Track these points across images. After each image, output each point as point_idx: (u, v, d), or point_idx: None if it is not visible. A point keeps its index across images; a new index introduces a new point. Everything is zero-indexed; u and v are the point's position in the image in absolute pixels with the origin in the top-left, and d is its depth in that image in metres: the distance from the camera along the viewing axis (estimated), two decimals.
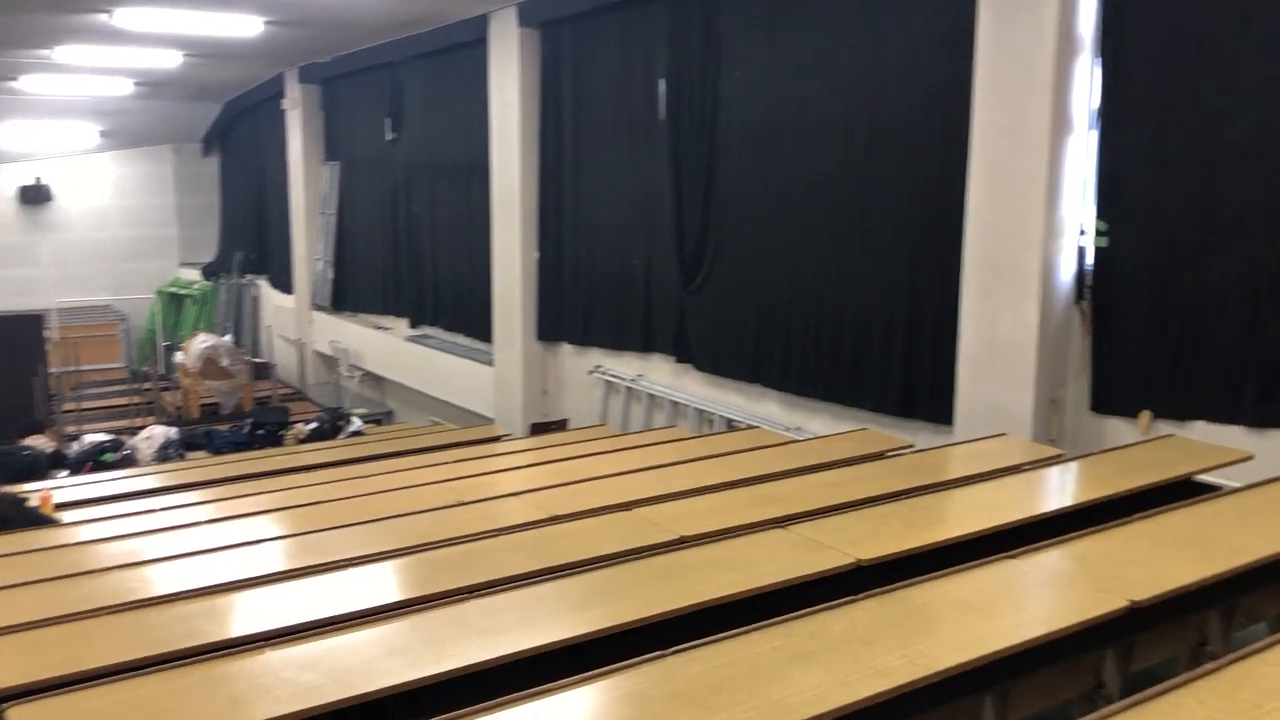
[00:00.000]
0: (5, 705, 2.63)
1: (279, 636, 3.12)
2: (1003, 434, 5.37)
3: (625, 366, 8.57)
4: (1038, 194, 5.28)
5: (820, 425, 6.79)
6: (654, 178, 8.01)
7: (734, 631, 2.88)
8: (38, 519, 5.69)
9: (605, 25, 8.41)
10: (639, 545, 3.89)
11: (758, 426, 6.88)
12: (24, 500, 5.79)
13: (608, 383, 8.71)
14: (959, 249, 5.67)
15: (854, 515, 4.09)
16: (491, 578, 3.59)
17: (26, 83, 12.67)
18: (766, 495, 4.54)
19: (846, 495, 4.41)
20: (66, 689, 2.77)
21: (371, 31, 10.65)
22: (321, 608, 3.45)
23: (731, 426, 7.36)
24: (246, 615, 3.52)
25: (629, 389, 8.50)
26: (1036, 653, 2.90)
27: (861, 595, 3.14)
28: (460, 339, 10.83)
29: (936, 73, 5.92)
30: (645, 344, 8.33)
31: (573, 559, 3.77)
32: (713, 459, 5.69)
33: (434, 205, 11.07)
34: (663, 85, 7.84)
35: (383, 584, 3.80)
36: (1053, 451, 5.10)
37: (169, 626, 3.38)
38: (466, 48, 9.87)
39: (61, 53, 10.92)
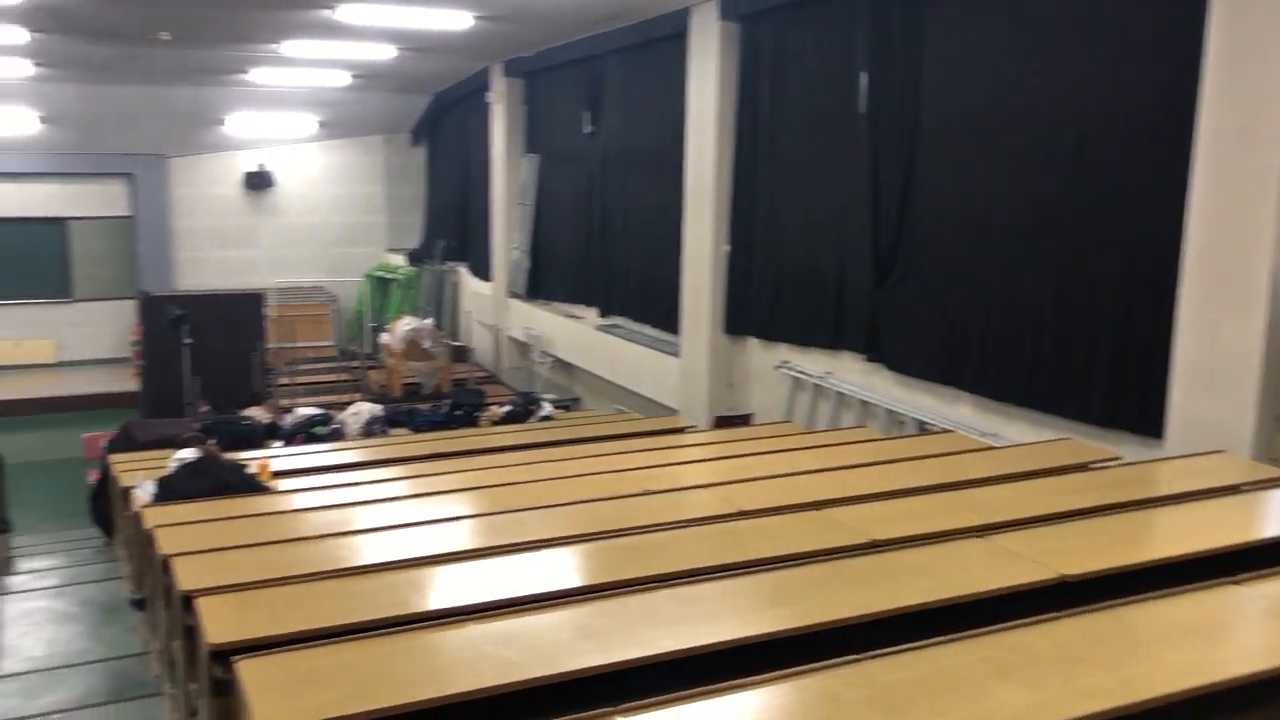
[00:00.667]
0: (234, 658, 2.82)
1: (478, 611, 3.24)
2: (1219, 451, 5.05)
3: (813, 363, 8.48)
4: (1270, 198, 4.92)
5: (1017, 432, 6.55)
6: (850, 172, 7.89)
7: (932, 640, 2.82)
8: (256, 486, 6.07)
9: (807, 18, 8.33)
10: (829, 546, 3.85)
11: (951, 430, 6.70)
12: (244, 467, 6.18)
13: (794, 379, 8.64)
14: (1176, 254, 5.35)
15: (1057, 528, 3.93)
16: (680, 568, 3.62)
17: (256, 75, 13.55)
18: (963, 502, 4.41)
19: (1049, 507, 4.23)
20: (286, 647, 2.95)
21: (575, 26, 10.88)
22: (517, 586, 3.56)
23: (923, 429, 7.18)
24: (447, 589, 3.67)
25: (816, 386, 8.41)
26: (1261, 686, 2.72)
27: (1066, 612, 3.02)
28: (648, 329, 10.95)
29: (1157, 67, 5.60)
30: (834, 341, 8.22)
31: (761, 555, 3.76)
32: (904, 462, 5.57)
33: (627, 197, 11.22)
34: (864, 79, 7.71)
35: (574, 567, 3.89)
36: (1276, 473, 4.76)
37: (377, 595, 3.55)
38: (666, 41, 9.96)
39: (288, 47, 11.62)
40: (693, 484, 5.45)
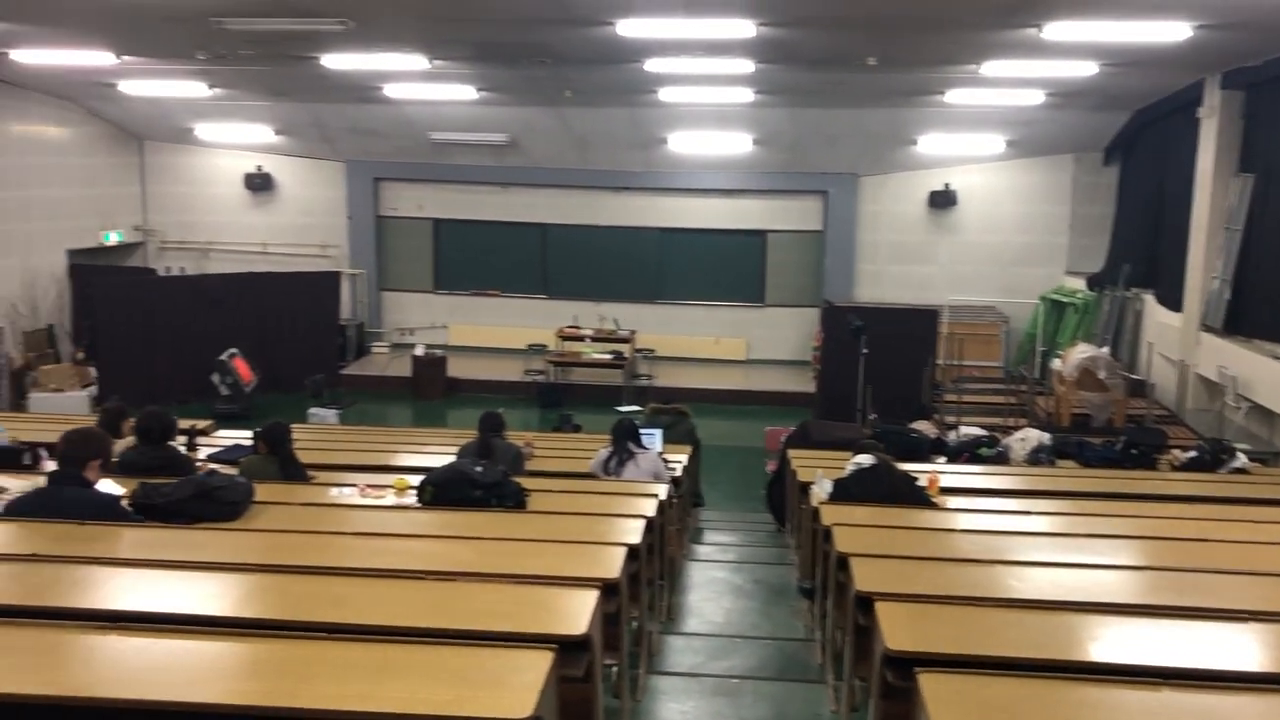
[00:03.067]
0: (917, 669, 2.87)
1: (1171, 677, 2.95)
2: None
3: None
4: None
5: None
6: None
7: None
8: (925, 499, 6.16)
9: None
10: None
11: None
12: (915, 479, 6.30)
13: None
14: None
15: None
16: None
17: (952, 96, 13.79)
18: None
19: None
20: (965, 669, 2.93)
21: None
22: (1217, 658, 3.20)
23: None
24: (1129, 642, 3.40)
25: None
26: None
27: None
28: None
29: None
30: None
31: None
32: None
33: None
34: None
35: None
36: None
37: (1054, 633, 3.41)
38: None
39: (988, 67, 11.65)
40: None
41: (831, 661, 5.13)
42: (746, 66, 12.05)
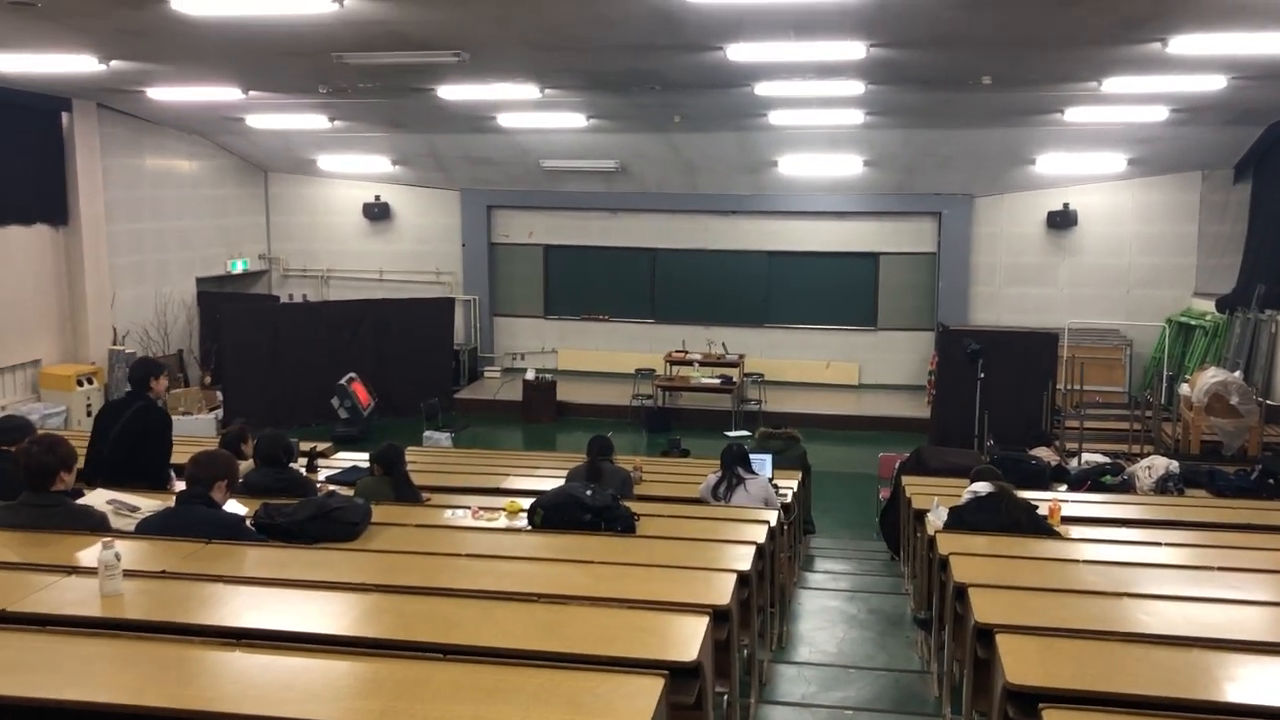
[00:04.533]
0: (1041, 705, 2.77)
1: None
2: None
3: None
4: None
5: None
6: None
7: None
8: (1045, 528, 5.97)
9: None
10: None
11: None
12: (1035, 508, 6.10)
13: None
14: None
15: None
16: None
17: (1071, 114, 13.43)
18: None
19: None
20: (1090, 705, 2.81)
21: None
22: None
23: None
24: (1269, 682, 3.23)
25: None
26: None
27: None
28: None
29: None
30: None
31: None
32: None
33: None
34: None
35: None
36: None
37: (1185, 672, 3.26)
38: None
39: (1109, 84, 11.32)
40: None
41: (948, 695, 4.99)
42: (857, 88, 11.93)
